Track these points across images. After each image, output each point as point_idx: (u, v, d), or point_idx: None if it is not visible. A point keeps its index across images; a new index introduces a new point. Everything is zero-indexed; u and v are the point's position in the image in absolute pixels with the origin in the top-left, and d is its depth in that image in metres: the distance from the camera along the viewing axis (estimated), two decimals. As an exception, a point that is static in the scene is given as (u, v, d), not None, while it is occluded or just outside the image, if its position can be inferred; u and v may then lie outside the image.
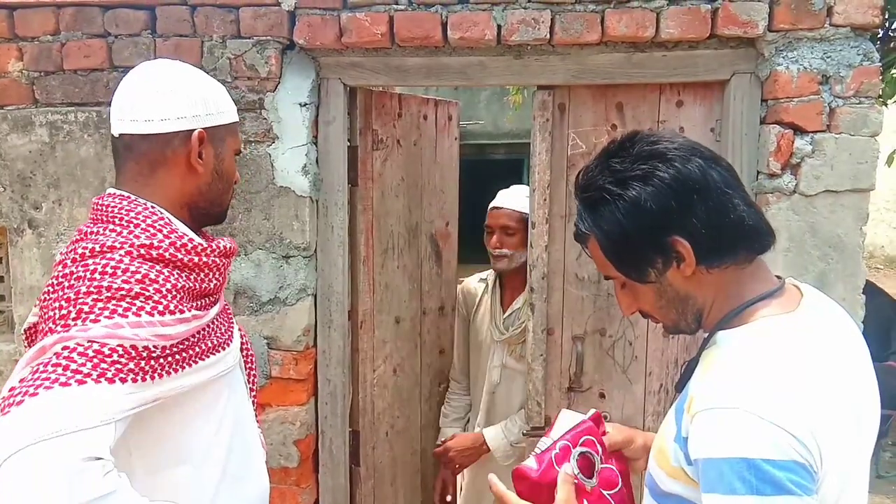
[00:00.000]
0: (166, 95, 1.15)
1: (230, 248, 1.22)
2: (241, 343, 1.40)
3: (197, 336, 1.13)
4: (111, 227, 1.11)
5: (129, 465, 1.08)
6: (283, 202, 2.08)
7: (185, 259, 1.11)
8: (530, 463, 1.16)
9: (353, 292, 2.31)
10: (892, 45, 3.82)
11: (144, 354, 1.01)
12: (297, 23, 2.01)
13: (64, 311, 1.00)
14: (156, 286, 1.04)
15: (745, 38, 1.94)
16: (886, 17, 3.51)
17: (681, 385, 1.03)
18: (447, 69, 2.09)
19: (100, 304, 0.99)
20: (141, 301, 1.02)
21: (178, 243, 1.11)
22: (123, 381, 0.97)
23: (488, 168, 8.75)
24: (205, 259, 1.14)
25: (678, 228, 0.96)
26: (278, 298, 2.12)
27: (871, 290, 4.40)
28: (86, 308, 0.99)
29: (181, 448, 1.15)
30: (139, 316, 1.01)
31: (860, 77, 1.89)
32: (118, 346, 0.98)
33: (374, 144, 2.34)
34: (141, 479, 1.10)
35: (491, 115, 10.45)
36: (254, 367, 1.47)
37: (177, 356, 1.08)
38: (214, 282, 1.18)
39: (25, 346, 1.23)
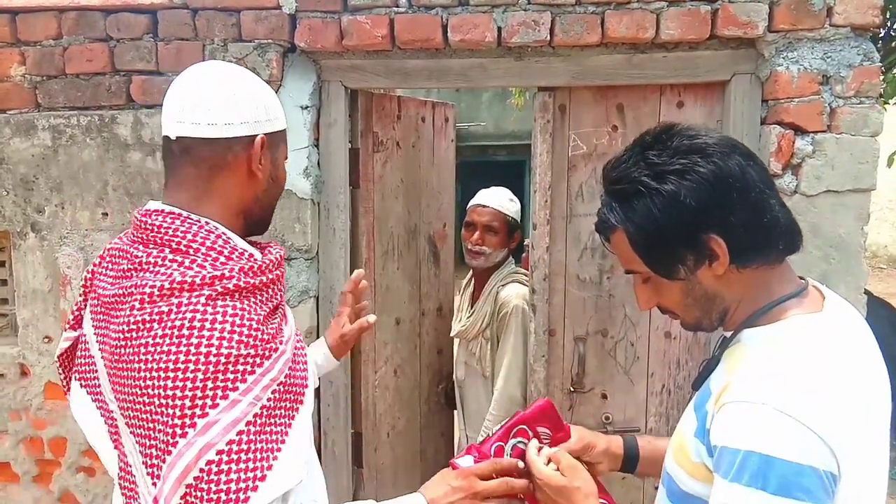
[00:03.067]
0: (231, 99, 1.10)
1: (282, 256, 1.18)
2: None
3: (291, 366, 1.10)
4: (168, 252, 1.05)
5: None
6: (285, 204, 2.08)
7: (256, 282, 1.06)
8: (463, 461, 1.21)
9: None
10: (893, 45, 3.81)
11: (264, 415, 0.99)
12: (298, 26, 2.02)
13: (178, 403, 0.94)
14: (246, 332, 0.99)
15: (746, 39, 1.95)
16: (888, 16, 3.51)
17: (698, 383, 1.02)
18: (448, 71, 2.09)
19: (209, 385, 0.94)
20: (242, 363, 0.98)
21: (247, 267, 1.06)
22: (270, 468, 0.97)
23: (490, 169, 8.75)
24: (269, 276, 1.10)
25: (715, 226, 0.93)
26: (280, 301, 2.12)
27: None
28: (199, 394, 0.94)
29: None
30: (245, 381, 0.97)
31: (860, 77, 1.89)
32: (246, 428, 0.96)
33: (374, 147, 2.35)
34: None
35: (493, 117, 10.48)
36: None
37: (287, 396, 1.05)
38: (280, 294, 1.15)
39: (60, 373, 1.21)
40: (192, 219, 1.08)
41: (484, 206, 2.55)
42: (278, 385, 1.02)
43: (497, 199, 2.56)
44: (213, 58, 2.04)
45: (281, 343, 1.05)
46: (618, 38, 1.96)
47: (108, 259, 1.13)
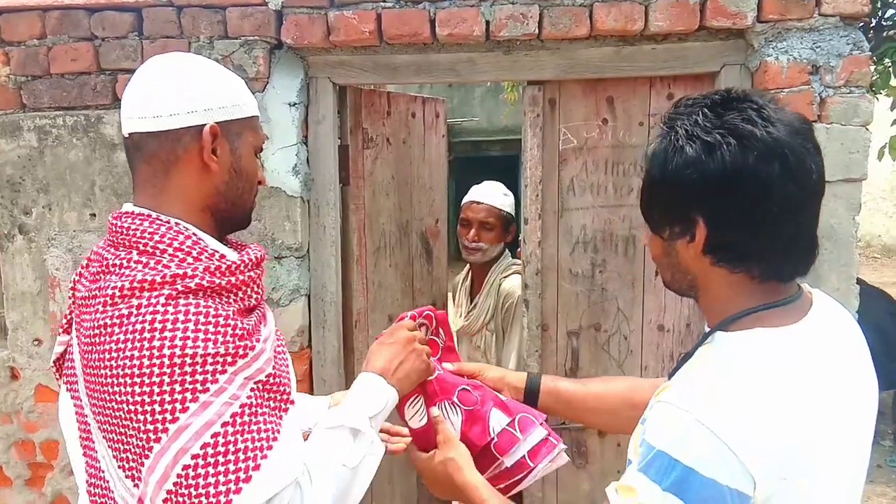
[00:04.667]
0: (174, 89, 1.04)
1: (260, 256, 1.13)
2: None
3: (274, 365, 1.08)
4: (135, 254, 1.01)
5: None
6: (274, 203, 2.07)
7: (223, 282, 1.02)
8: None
9: (347, 292, 2.30)
10: (884, 34, 3.81)
11: (246, 413, 0.96)
12: (285, 22, 2.00)
13: (147, 409, 0.91)
14: (212, 330, 0.95)
15: (735, 30, 1.94)
16: (879, 5, 3.50)
17: (672, 375, 1.02)
18: (436, 66, 2.08)
19: (177, 388, 0.91)
20: (211, 363, 0.94)
21: (212, 266, 1.01)
22: (258, 468, 0.94)
23: (483, 165, 8.73)
24: (241, 277, 1.05)
25: (705, 211, 0.91)
26: (271, 299, 2.11)
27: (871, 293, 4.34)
28: (167, 398, 0.91)
29: None
30: (217, 381, 0.93)
31: (850, 66, 1.89)
32: (223, 429, 0.93)
33: (364, 143, 2.33)
34: None
35: (486, 112, 10.45)
36: None
37: (272, 395, 1.02)
38: (255, 297, 1.09)
39: (57, 377, 1.16)
40: (160, 219, 1.05)
41: (478, 203, 2.57)
42: (256, 384, 0.99)
43: (490, 195, 2.58)
44: (200, 55, 2.02)
45: (258, 341, 1.02)
46: (606, 31, 1.95)
47: (90, 262, 1.11)
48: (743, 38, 1.96)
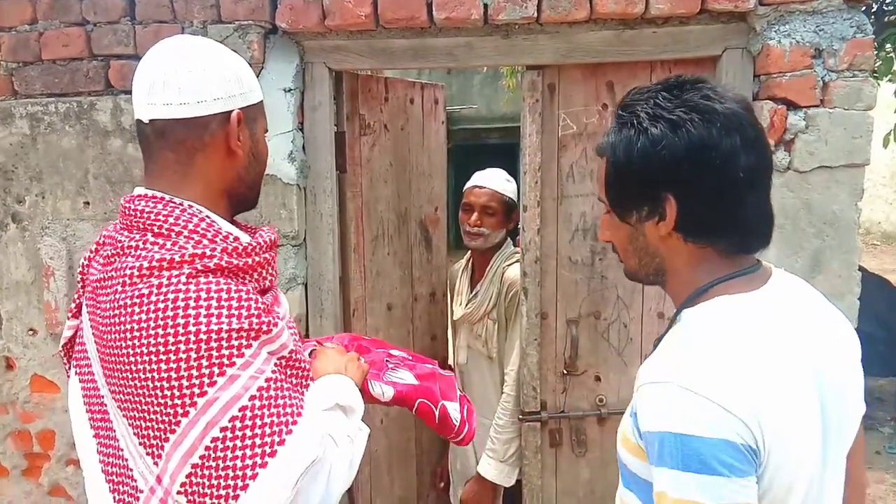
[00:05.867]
0: (201, 75, 1.05)
1: (273, 239, 1.15)
2: None
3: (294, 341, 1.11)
4: (150, 236, 1.03)
5: None
6: (270, 190, 2.04)
7: (241, 263, 1.04)
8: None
9: (344, 280, 2.29)
10: (885, 20, 3.77)
11: (271, 388, 0.97)
12: (279, 6, 1.97)
13: (174, 384, 0.93)
14: (235, 305, 0.97)
15: (736, 13, 1.91)
16: (880, -11, 3.46)
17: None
18: (434, 51, 2.05)
19: (204, 363, 0.93)
20: (236, 338, 0.95)
21: (230, 248, 1.03)
22: (283, 442, 0.95)
23: (482, 153, 8.69)
24: (256, 259, 1.07)
25: (676, 188, 0.94)
26: (268, 288, 2.09)
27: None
28: (195, 373, 0.93)
29: None
30: (243, 356, 0.95)
31: (853, 50, 1.86)
32: (250, 402, 0.95)
33: (361, 130, 2.31)
34: None
35: (484, 100, 10.38)
36: None
37: (294, 372, 1.05)
38: (269, 278, 1.11)
39: (64, 363, 1.18)
40: (174, 202, 1.07)
41: (481, 188, 2.53)
42: (279, 359, 1.02)
43: (493, 179, 2.55)
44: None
45: (277, 317, 1.05)
46: (606, 14, 1.91)
47: (100, 246, 1.13)
48: (745, 21, 1.93)
